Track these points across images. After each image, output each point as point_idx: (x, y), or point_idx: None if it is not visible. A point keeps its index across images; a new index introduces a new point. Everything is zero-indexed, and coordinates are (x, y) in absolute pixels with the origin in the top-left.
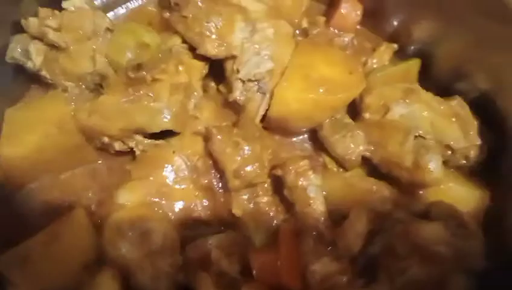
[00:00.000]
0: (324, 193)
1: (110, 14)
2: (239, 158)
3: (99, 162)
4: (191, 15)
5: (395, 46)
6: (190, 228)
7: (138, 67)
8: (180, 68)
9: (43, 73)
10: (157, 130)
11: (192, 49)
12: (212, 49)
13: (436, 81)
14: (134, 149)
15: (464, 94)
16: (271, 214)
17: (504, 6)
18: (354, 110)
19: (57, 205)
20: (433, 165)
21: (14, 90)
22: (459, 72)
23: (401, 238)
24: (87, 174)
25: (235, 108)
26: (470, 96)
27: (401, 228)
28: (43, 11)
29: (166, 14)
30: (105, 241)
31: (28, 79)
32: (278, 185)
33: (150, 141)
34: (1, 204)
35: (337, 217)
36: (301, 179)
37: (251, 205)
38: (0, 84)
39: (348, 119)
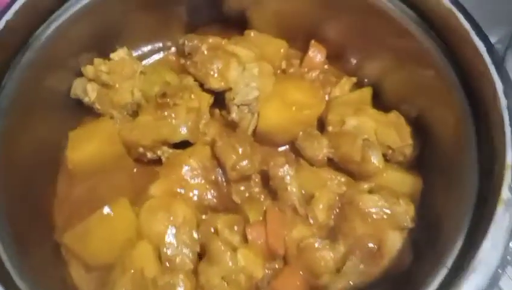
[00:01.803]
0: (298, 181)
1: (144, 62)
2: (234, 156)
3: (135, 170)
4: (199, 60)
5: (354, 79)
6: (203, 213)
7: (164, 95)
8: (192, 96)
9: (96, 105)
10: (178, 140)
11: (201, 85)
12: (215, 84)
13: (385, 105)
14: (161, 157)
15: (406, 113)
16: (261, 199)
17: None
18: (322, 126)
19: (106, 197)
20: (375, 158)
21: (73, 118)
22: (402, 97)
23: (349, 206)
24: (128, 178)
25: (232, 125)
26: (411, 114)
27: (350, 198)
28: (97, 61)
29: (182, 61)
30: (142, 222)
31: (82, 112)
32: (266, 179)
33: (172, 150)
34: (66, 197)
35: (308, 197)
36: (280, 170)
37: (246, 194)
38: (64, 114)
39: (316, 132)
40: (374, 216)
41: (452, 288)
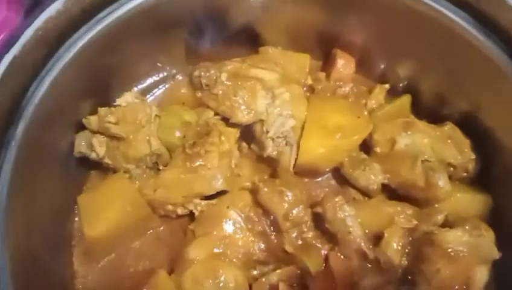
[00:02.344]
0: (359, 220)
1: (150, 95)
2: (286, 205)
3: (161, 228)
4: (220, 92)
5: (387, 86)
6: (250, 269)
7: (194, 145)
8: (223, 138)
9: (106, 160)
10: (213, 193)
11: (225, 119)
12: (243, 117)
13: (425, 110)
14: (193, 211)
15: (450, 118)
16: (318, 245)
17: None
18: (366, 147)
19: (134, 271)
20: (442, 182)
21: (77, 177)
22: (443, 99)
23: (430, 246)
24: (154, 240)
25: (269, 162)
26: (456, 118)
27: (429, 238)
28: (102, 110)
29: (199, 94)
30: None
31: (88, 166)
32: (319, 220)
33: (206, 202)
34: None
35: (373, 238)
36: (339, 212)
37: (299, 241)
38: (66, 175)
39: (363, 155)
40: (460, 254)
41: None
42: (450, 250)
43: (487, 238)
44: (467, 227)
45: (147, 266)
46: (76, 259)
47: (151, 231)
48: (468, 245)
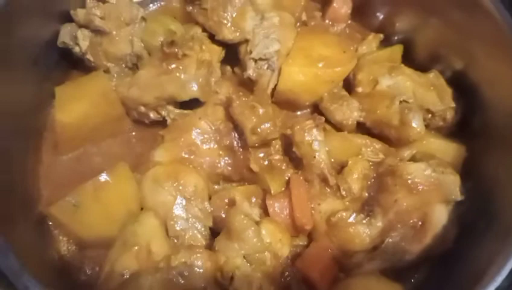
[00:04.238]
0: (326, 148)
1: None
2: (255, 118)
3: (133, 133)
4: (209, 7)
5: (381, 35)
6: (215, 183)
7: (172, 43)
8: (204, 47)
9: (88, 56)
10: (187, 98)
11: (211, 36)
12: (229, 34)
13: (416, 64)
14: (166, 118)
15: (441, 73)
16: (283, 168)
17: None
18: (348, 86)
19: (101, 166)
20: (416, 122)
21: (57, 74)
22: (436, 55)
23: (391, 176)
24: (124, 143)
25: (248, 85)
26: (446, 74)
27: (391, 169)
28: (90, 2)
29: (189, 8)
30: (146, 192)
31: (70, 66)
32: (288, 145)
33: (179, 110)
34: (53, 165)
35: (338, 166)
36: (307, 135)
37: (266, 162)
38: (46, 66)
39: (344, 92)
40: (420, 187)
41: None
42: (410, 181)
43: (451, 177)
44: (430, 162)
45: (112, 166)
46: (44, 149)
47: (123, 134)
48: (430, 180)
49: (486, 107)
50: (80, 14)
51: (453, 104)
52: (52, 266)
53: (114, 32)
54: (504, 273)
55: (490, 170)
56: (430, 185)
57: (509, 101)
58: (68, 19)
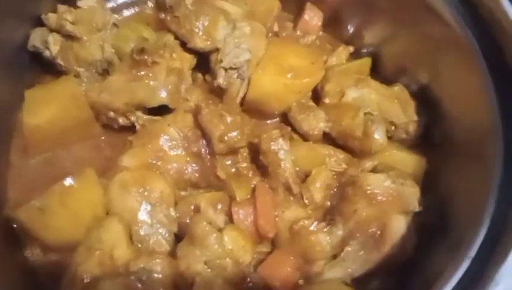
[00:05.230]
0: (292, 157)
1: (118, 16)
2: (223, 126)
3: (103, 138)
4: (182, 15)
5: (351, 48)
6: (182, 190)
7: (142, 51)
8: (174, 55)
9: (58, 60)
10: (155, 105)
11: (183, 44)
12: (200, 43)
13: (383, 77)
14: (135, 124)
15: (406, 86)
16: (249, 175)
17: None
18: (316, 97)
19: (68, 170)
20: (379, 134)
21: (29, 77)
22: (402, 68)
23: (352, 186)
24: (94, 147)
25: (218, 93)
26: (412, 88)
27: (352, 179)
28: (62, 7)
29: (162, 15)
30: (112, 196)
31: (42, 70)
32: (255, 153)
33: (148, 116)
34: (22, 168)
35: (303, 175)
36: (273, 144)
37: (233, 170)
38: (18, 69)
39: (311, 103)
40: (380, 198)
41: (481, 281)
42: (369, 192)
43: (410, 189)
44: (390, 173)
45: (80, 170)
46: (13, 151)
47: (92, 139)
48: (389, 191)
49: (447, 120)
50: (51, 18)
51: (415, 118)
52: (17, 270)
53: (85, 38)
54: (451, 283)
55: (448, 182)
56: (388, 196)
57: (468, 115)
58: (40, 23)
